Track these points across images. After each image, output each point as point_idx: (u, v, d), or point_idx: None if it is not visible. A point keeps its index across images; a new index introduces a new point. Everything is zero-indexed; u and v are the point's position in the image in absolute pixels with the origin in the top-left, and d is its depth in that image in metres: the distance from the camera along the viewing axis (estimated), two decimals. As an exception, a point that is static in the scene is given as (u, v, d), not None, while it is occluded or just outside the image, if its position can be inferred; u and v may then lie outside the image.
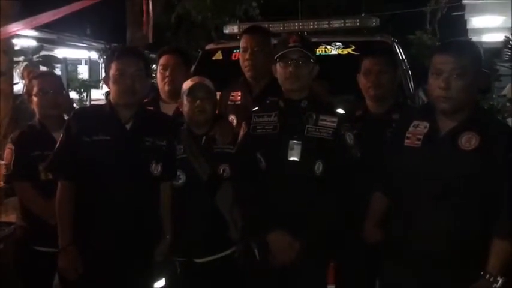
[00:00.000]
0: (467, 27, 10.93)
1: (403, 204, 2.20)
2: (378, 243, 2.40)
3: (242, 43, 3.11)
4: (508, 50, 7.44)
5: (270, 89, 2.89)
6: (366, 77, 2.80)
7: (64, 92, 3.04)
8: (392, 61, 2.97)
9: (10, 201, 3.42)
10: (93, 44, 13.53)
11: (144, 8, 5.36)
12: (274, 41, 3.15)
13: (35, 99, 2.83)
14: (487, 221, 2.05)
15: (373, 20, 4.59)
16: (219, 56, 4.64)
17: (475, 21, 10.65)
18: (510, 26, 8.42)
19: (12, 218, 3.26)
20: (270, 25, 4.43)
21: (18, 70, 5.75)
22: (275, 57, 2.49)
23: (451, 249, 2.07)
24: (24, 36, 8.76)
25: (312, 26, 4.71)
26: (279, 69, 2.48)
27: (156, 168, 2.46)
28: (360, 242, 2.52)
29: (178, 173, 2.56)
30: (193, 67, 3.85)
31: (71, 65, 14.01)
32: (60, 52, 11.84)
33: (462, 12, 11.09)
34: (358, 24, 4.60)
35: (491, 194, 2.04)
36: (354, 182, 2.41)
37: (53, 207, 2.45)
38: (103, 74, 2.68)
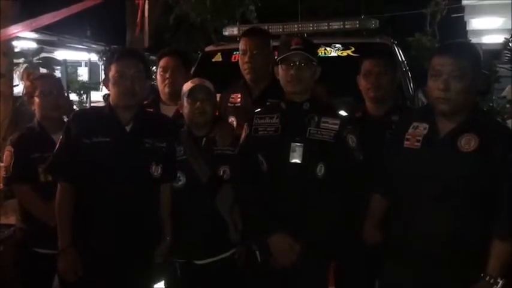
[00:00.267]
0: (467, 28, 10.93)
1: (403, 206, 2.20)
2: (377, 244, 2.40)
3: (241, 46, 3.10)
4: (507, 51, 7.44)
5: (269, 91, 2.90)
6: (365, 79, 2.80)
7: (65, 94, 3.06)
8: (392, 63, 2.97)
9: (10, 203, 3.43)
10: (93, 46, 13.54)
11: (140, 12, 5.37)
12: (273, 43, 3.16)
13: (36, 100, 2.83)
14: (486, 222, 2.05)
15: (373, 22, 4.60)
16: (218, 57, 4.65)
17: (475, 23, 10.66)
18: (510, 27, 8.43)
19: (11, 220, 3.26)
20: (270, 27, 4.43)
21: (18, 72, 5.75)
22: (277, 60, 2.49)
23: (450, 250, 2.07)
24: (24, 38, 8.77)
25: (311, 28, 4.71)
26: (281, 71, 2.47)
27: (156, 170, 2.46)
28: (360, 243, 2.52)
29: (178, 174, 2.56)
30: (193, 69, 3.85)
31: (71, 67, 14.01)
32: (60, 54, 11.84)
33: (462, 14, 11.10)
34: (357, 26, 4.60)
35: (491, 195, 2.04)
36: (356, 184, 2.40)
37: (53, 209, 2.45)
38: (103, 76, 2.68)
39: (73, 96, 11.29)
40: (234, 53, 4.45)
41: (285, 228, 2.37)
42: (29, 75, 3.10)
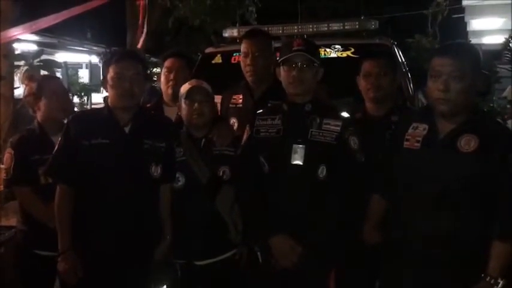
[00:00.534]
0: (468, 29, 10.93)
1: (403, 206, 2.20)
2: (377, 245, 2.40)
3: (243, 48, 3.11)
4: (507, 52, 7.44)
5: (271, 92, 2.90)
6: (365, 79, 2.81)
7: (69, 96, 3.10)
8: (391, 64, 2.97)
9: (10, 205, 3.43)
10: (94, 48, 13.54)
11: (141, 13, 5.38)
12: (274, 44, 3.17)
13: (43, 101, 2.85)
14: (486, 223, 2.05)
15: (372, 23, 4.60)
16: (218, 59, 4.65)
17: (475, 24, 10.65)
18: (510, 28, 8.43)
19: (12, 222, 3.26)
20: (270, 28, 4.43)
21: (19, 74, 5.75)
22: (279, 61, 2.48)
23: (450, 250, 2.07)
24: (24, 40, 8.78)
25: (311, 29, 4.71)
26: (282, 73, 2.47)
27: (156, 170, 2.47)
28: (360, 244, 2.52)
29: (177, 175, 2.57)
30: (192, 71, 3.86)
31: (71, 69, 14.02)
32: (61, 56, 11.85)
33: (462, 15, 11.09)
34: (357, 27, 4.60)
35: (491, 196, 2.04)
36: (358, 186, 2.39)
37: (53, 211, 2.45)
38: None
39: (74, 99, 11.29)
40: (234, 54, 4.46)
41: (287, 229, 2.37)
42: (32, 77, 3.12)
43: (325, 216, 2.37)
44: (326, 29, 4.66)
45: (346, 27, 4.60)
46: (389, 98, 2.83)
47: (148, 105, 3.44)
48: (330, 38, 4.59)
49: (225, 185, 2.57)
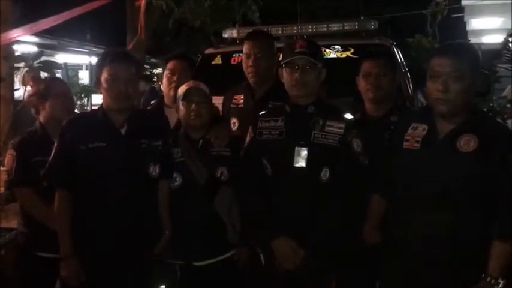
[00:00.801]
0: (467, 29, 10.92)
1: (403, 206, 2.20)
2: (377, 245, 2.40)
3: (245, 49, 3.11)
4: (507, 51, 7.43)
5: (272, 92, 2.90)
6: (365, 80, 2.81)
7: (73, 97, 3.13)
8: (391, 64, 2.98)
9: (11, 207, 3.43)
10: (94, 49, 13.53)
11: (142, 14, 5.37)
12: (276, 45, 3.17)
13: (49, 102, 2.87)
14: (486, 223, 2.05)
15: (372, 23, 4.60)
16: (218, 60, 4.66)
17: (475, 23, 10.64)
18: (509, 27, 8.42)
19: (13, 224, 3.26)
20: (269, 29, 4.44)
21: (18, 76, 5.75)
22: (281, 63, 2.47)
23: (450, 250, 2.07)
24: (24, 42, 8.77)
25: (310, 30, 4.72)
26: (285, 75, 2.45)
27: (155, 170, 2.47)
28: (360, 244, 2.52)
29: (175, 175, 2.57)
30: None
31: (71, 71, 14.00)
32: (61, 57, 11.82)
33: (461, 14, 11.09)
34: (356, 27, 4.61)
35: (491, 196, 2.04)
36: (361, 188, 2.39)
37: (54, 213, 2.45)
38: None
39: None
40: (234, 55, 4.46)
41: (289, 231, 2.36)
42: (36, 78, 3.16)
43: (327, 218, 2.37)
44: (325, 29, 4.66)
45: (345, 27, 4.61)
46: (389, 99, 2.83)
47: (149, 107, 3.45)
48: (330, 39, 4.59)
49: (223, 186, 2.58)
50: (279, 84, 2.59)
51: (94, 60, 14.18)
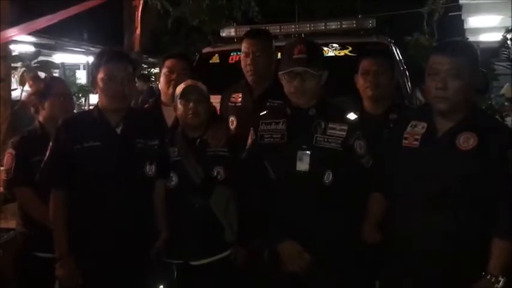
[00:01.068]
0: (465, 27, 10.92)
1: (402, 205, 2.20)
2: (377, 244, 2.39)
3: (243, 48, 3.10)
4: (505, 49, 7.44)
5: (271, 91, 2.90)
6: (363, 78, 2.81)
7: (72, 97, 3.14)
8: (389, 62, 2.98)
9: (9, 207, 3.42)
10: (91, 48, 13.52)
11: (138, 14, 5.38)
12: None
13: (48, 101, 2.86)
14: (486, 220, 2.05)
15: (370, 21, 4.61)
16: (216, 59, 4.65)
17: (472, 21, 10.63)
18: (507, 25, 8.42)
19: (11, 224, 3.26)
20: (267, 27, 4.44)
21: (16, 76, 5.74)
22: (280, 73, 2.41)
23: (450, 249, 2.07)
24: (21, 41, 8.75)
25: (308, 28, 4.72)
26: (284, 82, 2.40)
27: (151, 169, 2.47)
28: (360, 243, 2.51)
29: (171, 174, 2.57)
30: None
31: (69, 70, 13.97)
32: (58, 57, 11.80)
33: (459, 13, 11.08)
34: (354, 25, 4.61)
35: (490, 193, 2.04)
36: (365, 190, 2.37)
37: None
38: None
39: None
40: (232, 54, 4.46)
41: (294, 235, 2.33)
42: (36, 77, 3.16)
43: (332, 222, 2.33)
44: (323, 27, 4.66)
45: (343, 26, 4.61)
46: (388, 97, 2.83)
47: (146, 105, 3.44)
48: (328, 37, 4.59)
49: (219, 185, 2.57)
50: (277, 83, 2.58)
51: (91, 59, 14.13)
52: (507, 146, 2.04)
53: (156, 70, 13.03)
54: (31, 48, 9.12)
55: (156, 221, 2.52)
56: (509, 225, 2.02)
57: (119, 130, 2.45)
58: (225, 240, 2.59)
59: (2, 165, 3.03)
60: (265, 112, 2.56)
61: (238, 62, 3.21)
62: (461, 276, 2.05)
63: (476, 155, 2.04)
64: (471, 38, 9.27)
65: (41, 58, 5.33)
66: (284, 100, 2.49)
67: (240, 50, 3.16)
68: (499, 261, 2.01)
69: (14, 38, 4.73)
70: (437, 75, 2.08)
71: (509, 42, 6.69)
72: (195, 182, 2.57)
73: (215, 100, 3.04)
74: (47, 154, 2.48)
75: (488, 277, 2.01)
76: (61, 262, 2.37)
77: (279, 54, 2.51)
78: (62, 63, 12.44)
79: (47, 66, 5.26)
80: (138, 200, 2.43)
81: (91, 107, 2.81)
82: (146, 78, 10.18)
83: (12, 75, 5.54)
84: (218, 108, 3.21)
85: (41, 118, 2.90)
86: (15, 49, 6.87)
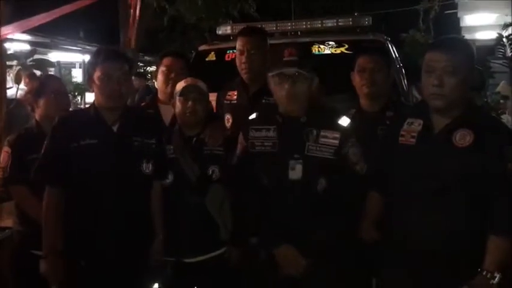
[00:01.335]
0: (461, 25, 10.94)
1: (400, 202, 2.19)
2: (374, 242, 2.39)
3: (238, 45, 3.09)
4: (500, 46, 7.46)
5: (266, 89, 2.88)
6: (360, 75, 2.81)
7: (68, 95, 3.13)
8: (386, 59, 2.98)
9: (5, 206, 3.41)
10: (87, 47, 13.48)
11: (132, 12, 5.36)
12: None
13: (43, 99, 2.86)
14: (483, 218, 2.04)
15: (366, 19, 4.61)
16: (212, 57, 4.65)
17: (468, 19, 10.66)
18: (503, 23, 8.44)
19: (7, 223, 3.25)
20: (263, 25, 4.44)
21: (11, 74, 5.72)
22: (269, 75, 2.36)
23: (448, 246, 2.06)
24: (17, 40, 8.72)
25: (304, 26, 4.73)
26: (274, 86, 2.35)
27: (148, 167, 2.46)
28: (357, 241, 2.51)
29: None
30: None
31: (64, 69, 13.94)
32: (54, 56, 11.77)
33: (455, 10, 11.10)
34: (351, 23, 4.62)
35: (487, 190, 2.04)
36: (359, 196, 2.35)
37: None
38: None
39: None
40: (228, 52, 4.46)
41: (289, 242, 2.32)
42: (33, 75, 3.16)
43: (326, 226, 2.31)
44: (320, 25, 4.67)
45: (339, 23, 4.62)
46: (384, 94, 2.83)
47: (143, 103, 3.44)
48: (324, 35, 4.60)
49: (214, 184, 2.57)
50: None
51: (87, 58, 14.09)
52: (505, 143, 2.04)
53: (152, 68, 13.01)
54: (26, 47, 9.08)
55: (152, 221, 2.51)
56: (506, 222, 2.02)
57: (115, 128, 2.44)
58: (220, 238, 2.58)
59: (-1, 163, 3.01)
60: (254, 116, 2.52)
61: (234, 59, 3.21)
62: (460, 274, 2.05)
63: (473, 152, 2.04)
64: (467, 36, 9.29)
65: (36, 56, 5.31)
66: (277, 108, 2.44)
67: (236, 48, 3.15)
68: (494, 258, 2.01)
69: (9, 36, 4.71)
70: (434, 73, 2.08)
71: (504, 40, 6.70)
72: (191, 181, 2.56)
73: (211, 98, 3.04)
74: (42, 151, 2.47)
75: (483, 273, 2.00)
76: (46, 259, 2.36)
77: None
78: (58, 62, 12.41)
79: (43, 64, 5.25)
80: (135, 198, 2.42)
81: (87, 106, 2.80)
82: (142, 75, 10.17)
83: (8, 73, 5.52)
84: (214, 106, 3.21)
85: (37, 116, 2.89)
86: (10, 47, 6.84)
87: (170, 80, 3.05)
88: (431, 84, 2.08)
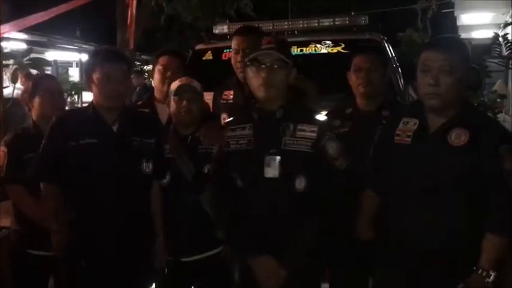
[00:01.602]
0: (457, 24, 10.96)
1: (395, 202, 2.20)
2: (370, 241, 2.40)
3: (234, 44, 3.10)
4: (497, 46, 7.48)
5: None
6: (356, 74, 2.81)
7: (64, 95, 3.11)
8: (382, 59, 2.98)
9: (2, 205, 3.41)
10: (84, 46, 13.46)
11: (130, 11, 5.36)
12: None
13: (38, 99, 2.85)
14: (479, 217, 2.05)
15: (363, 18, 4.63)
16: (209, 56, 4.66)
17: (465, 18, 10.68)
18: (499, 22, 8.46)
19: (4, 222, 3.24)
20: (260, 25, 4.44)
21: (8, 73, 5.70)
22: (246, 61, 2.28)
23: (444, 246, 2.07)
24: (13, 39, 8.70)
25: (301, 25, 4.74)
26: (250, 74, 2.25)
27: (147, 167, 2.46)
28: (352, 241, 2.52)
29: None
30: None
31: (61, 68, 13.91)
32: (51, 55, 11.75)
33: (452, 10, 11.12)
34: (347, 22, 4.63)
35: (482, 189, 2.04)
36: (341, 194, 2.23)
37: (47, 210, 2.44)
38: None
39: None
40: (225, 51, 4.46)
41: (267, 248, 2.16)
42: (29, 75, 3.16)
43: (307, 231, 2.19)
44: (316, 24, 4.68)
45: (336, 22, 4.63)
46: (380, 93, 2.83)
47: (139, 102, 3.44)
48: (321, 34, 4.61)
49: (209, 182, 2.56)
50: None
51: (84, 57, 14.07)
52: (499, 143, 2.04)
53: (149, 67, 13.00)
54: (23, 46, 9.06)
55: (152, 221, 2.51)
56: (501, 221, 2.02)
57: (115, 128, 2.44)
58: (217, 237, 2.58)
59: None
60: (231, 118, 2.47)
61: (231, 59, 3.21)
62: (455, 273, 2.05)
63: (468, 151, 2.04)
64: (463, 35, 9.32)
65: (33, 55, 5.30)
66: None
67: (232, 47, 3.16)
68: (490, 256, 2.02)
69: (6, 35, 4.70)
70: (429, 72, 2.08)
71: (500, 39, 6.71)
72: (187, 179, 2.57)
73: (208, 97, 3.05)
74: (40, 150, 2.47)
75: (479, 272, 2.01)
76: (59, 229, 2.37)
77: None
78: (55, 61, 12.38)
79: (39, 63, 5.23)
80: (135, 198, 2.42)
81: (84, 105, 2.80)
82: (140, 73, 10.15)
83: (4, 72, 5.51)
84: (211, 105, 3.22)
85: (34, 116, 2.89)
86: (7, 46, 6.83)
87: (166, 78, 3.05)
88: (427, 84, 2.09)
